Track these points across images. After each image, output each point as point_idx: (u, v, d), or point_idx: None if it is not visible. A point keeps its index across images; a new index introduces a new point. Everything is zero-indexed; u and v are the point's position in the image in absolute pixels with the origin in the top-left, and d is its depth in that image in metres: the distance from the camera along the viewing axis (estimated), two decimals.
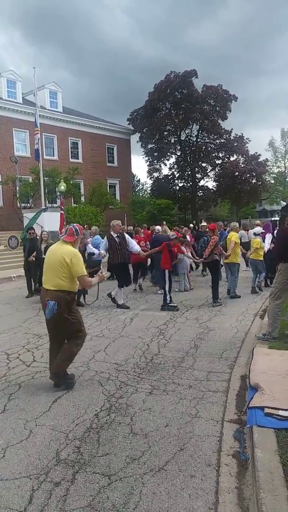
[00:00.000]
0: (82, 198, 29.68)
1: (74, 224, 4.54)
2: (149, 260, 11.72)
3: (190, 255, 10.80)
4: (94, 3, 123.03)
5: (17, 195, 25.50)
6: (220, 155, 38.45)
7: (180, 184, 40.68)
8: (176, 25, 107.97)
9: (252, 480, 2.69)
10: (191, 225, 18.39)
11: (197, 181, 39.71)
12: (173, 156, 40.01)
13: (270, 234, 10.81)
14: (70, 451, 3.12)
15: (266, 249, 10.19)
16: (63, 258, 4.16)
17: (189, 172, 39.15)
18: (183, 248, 9.78)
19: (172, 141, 39.25)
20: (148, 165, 40.37)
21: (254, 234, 10.63)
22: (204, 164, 39.30)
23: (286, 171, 48.79)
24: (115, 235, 8.73)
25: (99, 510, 2.46)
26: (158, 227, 12.01)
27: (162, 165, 40.36)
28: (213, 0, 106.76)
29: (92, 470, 2.86)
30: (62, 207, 21.06)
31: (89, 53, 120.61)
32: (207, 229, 10.12)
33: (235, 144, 37.03)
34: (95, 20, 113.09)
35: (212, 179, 39.69)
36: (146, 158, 39.94)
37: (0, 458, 3.05)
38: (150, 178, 41.38)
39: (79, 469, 2.88)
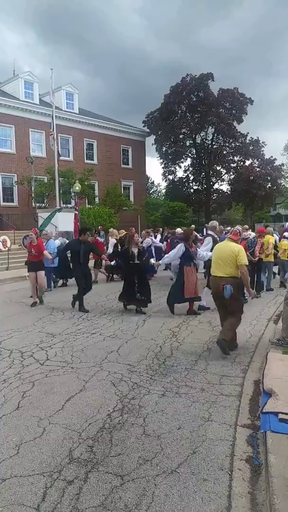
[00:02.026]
0: (96, 199, 29.85)
1: (238, 227, 6.05)
2: None
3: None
4: (106, 3, 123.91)
5: (32, 195, 25.74)
6: (236, 158, 38.29)
7: (195, 187, 40.65)
8: (189, 26, 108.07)
9: (265, 485, 2.67)
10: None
11: (212, 184, 39.61)
12: (188, 159, 39.99)
13: None
14: (83, 450, 3.14)
15: None
16: (232, 252, 5.48)
17: (204, 175, 39.07)
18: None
19: (187, 144, 39.22)
20: (163, 168, 40.43)
21: (285, 237, 11.65)
22: (219, 168, 39.21)
23: None
24: (215, 236, 8.72)
25: (111, 510, 2.47)
26: (179, 229, 12.87)
27: (177, 167, 40.37)
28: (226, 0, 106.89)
29: (105, 470, 2.88)
30: (77, 208, 21.23)
31: (102, 53, 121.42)
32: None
33: (250, 148, 36.88)
34: (107, 20, 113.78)
35: (227, 182, 39.56)
36: (161, 160, 40.00)
37: (14, 454, 3.08)
38: (165, 181, 41.43)
39: (92, 468, 2.90)
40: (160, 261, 8.81)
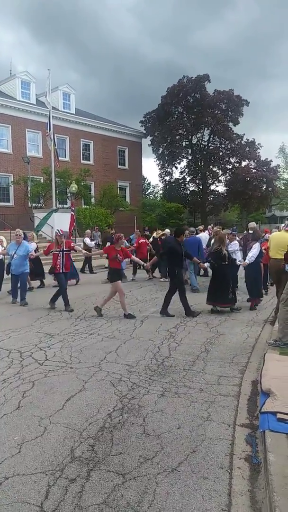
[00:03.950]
0: (93, 200, 29.87)
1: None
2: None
3: None
4: (100, 3, 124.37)
5: (28, 195, 25.73)
6: (232, 160, 38.44)
7: (191, 188, 40.77)
8: (182, 28, 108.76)
9: (264, 483, 2.72)
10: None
11: (208, 185, 39.71)
12: (184, 160, 40.09)
13: None
14: (85, 449, 3.17)
15: None
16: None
17: (200, 176, 39.18)
18: None
19: (184, 145, 39.32)
20: (159, 169, 40.51)
21: None
22: (215, 169, 39.33)
23: None
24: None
25: (114, 508, 2.51)
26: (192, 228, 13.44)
27: (173, 168, 40.47)
28: (220, 1, 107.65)
29: (107, 468, 2.92)
30: (73, 208, 21.24)
31: (96, 54, 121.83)
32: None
33: (246, 149, 37.05)
34: (101, 21, 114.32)
35: (223, 184, 39.68)
36: (158, 161, 40.08)
37: (16, 453, 3.11)
38: (162, 182, 41.53)
39: (93, 467, 2.93)
40: (247, 260, 8.79)
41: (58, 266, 8.91)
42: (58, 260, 8.89)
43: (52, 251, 8.95)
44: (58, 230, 9.45)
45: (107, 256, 8.63)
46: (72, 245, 9.31)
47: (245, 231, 19.25)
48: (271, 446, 2.97)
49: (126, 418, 3.69)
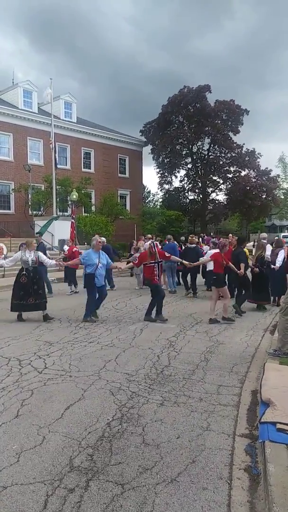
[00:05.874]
0: (93, 208, 29.98)
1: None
2: None
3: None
4: (96, 11, 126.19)
5: (29, 203, 25.82)
6: (232, 169, 38.69)
7: (191, 197, 40.97)
8: (181, 35, 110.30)
9: (264, 494, 2.70)
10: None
11: (208, 194, 39.89)
12: (185, 168, 40.32)
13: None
14: (83, 458, 3.16)
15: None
16: None
17: (200, 185, 39.38)
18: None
19: (184, 153, 39.59)
20: (159, 177, 40.72)
21: None
22: (215, 178, 39.56)
23: None
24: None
25: None
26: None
27: (173, 177, 40.70)
28: (218, 10, 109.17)
29: (105, 478, 2.90)
30: (73, 216, 21.31)
31: (94, 62, 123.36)
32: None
33: (246, 159, 37.28)
34: (99, 30, 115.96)
35: (223, 192, 39.89)
36: (158, 170, 40.32)
37: (14, 462, 3.10)
38: (161, 190, 41.73)
39: (92, 477, 2.92)
40: (277, 264, 9.94)
41: (156, 277, 8.60)
42: (155, 271, 8.55)
43: (146, 263, 8.62)
44: (152, 242, 8.69)
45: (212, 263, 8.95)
46: (167, 255, 9.05)
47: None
48: (271, 456, 2.96)
49: (126, 428, 3.67)
